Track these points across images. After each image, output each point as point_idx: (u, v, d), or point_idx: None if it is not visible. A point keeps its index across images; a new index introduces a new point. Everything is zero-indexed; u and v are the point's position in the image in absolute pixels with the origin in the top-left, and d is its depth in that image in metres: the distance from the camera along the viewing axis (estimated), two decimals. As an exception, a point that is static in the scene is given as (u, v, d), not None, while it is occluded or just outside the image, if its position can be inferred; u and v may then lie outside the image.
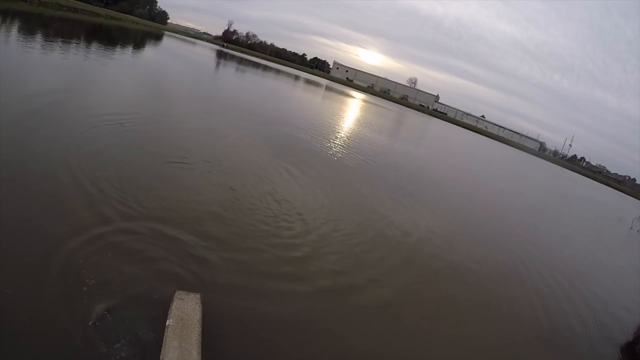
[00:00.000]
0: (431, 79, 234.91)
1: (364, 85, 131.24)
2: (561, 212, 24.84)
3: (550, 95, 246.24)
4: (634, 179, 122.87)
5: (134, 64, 25.17)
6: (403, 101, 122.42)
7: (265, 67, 66.99)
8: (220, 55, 61.99)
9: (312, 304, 5.52)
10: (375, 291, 6.44)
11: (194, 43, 71.33)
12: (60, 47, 20.96)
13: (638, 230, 25.52)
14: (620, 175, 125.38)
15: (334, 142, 18.43)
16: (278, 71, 69.42)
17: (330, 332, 5.09)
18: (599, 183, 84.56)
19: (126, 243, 5.36)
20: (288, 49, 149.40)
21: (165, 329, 3.89)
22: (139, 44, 41.13)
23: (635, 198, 74.53)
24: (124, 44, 35.66)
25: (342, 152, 16.88)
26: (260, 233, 7.06)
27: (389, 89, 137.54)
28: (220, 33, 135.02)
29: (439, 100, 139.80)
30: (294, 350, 4.54)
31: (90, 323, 3.91)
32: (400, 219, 10.35)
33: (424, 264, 8.18)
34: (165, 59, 33.42)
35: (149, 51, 36.93)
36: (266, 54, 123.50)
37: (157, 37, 55.84)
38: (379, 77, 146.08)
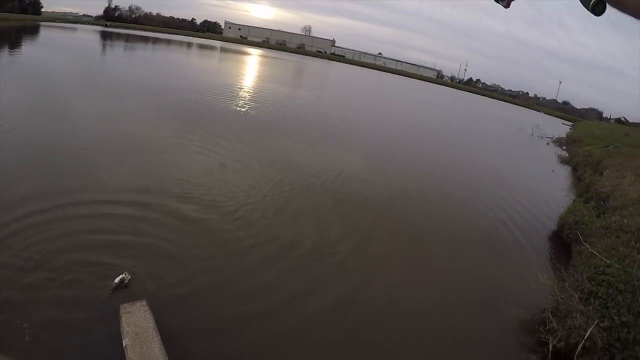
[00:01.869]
0: (326, 24, 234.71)
1: (259, 40, 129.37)
2: (469, 129, 27.90)
3: (442, 27, 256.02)
4: (527, 93, 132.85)
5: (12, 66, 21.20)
6: (300, 50, 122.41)
7: (155, 40, 63.81)
8: (105, 36, 58.34)
9: (265, 269, 5.64)
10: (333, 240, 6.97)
11: (75, 29, 66.00)
12: None
13: (538, 136, 29.36)
14: (514, 91, 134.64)
15: (245, 101, 19.03)
16: (169, 41, 66.56)
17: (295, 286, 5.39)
18: (496, 100, 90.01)
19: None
20: (176, 17, 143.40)
21: (124, 350, 3.60)
22: (14, 43, 37.61)
23: (530, 109, 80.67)
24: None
25: (257, 109, 17.58)
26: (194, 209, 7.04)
27: (284, 41, 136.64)
28: (101, 12, 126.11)
29: (336, 44, 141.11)
30: (262, 333, 4.51)
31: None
32: (335, 165, 11.01)
33: (371, 205, 8.97)
34: (46, 53, 30.21)
35: (27, 48, 33.67)
36: (154, 25, 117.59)
37: (33, 31, 51.63)
38: (273, 30, 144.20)
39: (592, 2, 0.94)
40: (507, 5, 1.28)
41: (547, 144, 26.92)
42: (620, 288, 5.30)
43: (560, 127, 39.86)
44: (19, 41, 36.75)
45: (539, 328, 5.13)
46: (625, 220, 7.54)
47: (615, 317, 4.79)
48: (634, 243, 6.60)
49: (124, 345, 3.63)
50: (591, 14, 1.00)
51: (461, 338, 5.10)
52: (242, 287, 5.14)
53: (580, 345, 4.46)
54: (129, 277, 4.65)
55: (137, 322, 3.87)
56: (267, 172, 9.46)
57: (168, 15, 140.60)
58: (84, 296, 4.37)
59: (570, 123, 51.82)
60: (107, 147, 9.37)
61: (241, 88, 24.08)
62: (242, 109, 16.99)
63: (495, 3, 1.28)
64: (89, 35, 56.54)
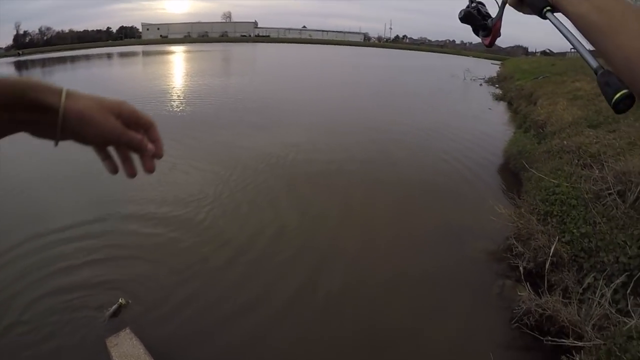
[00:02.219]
0: (246, 8, 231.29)
1: (181, 36, 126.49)
2: (405, 84, 28.28)
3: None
4: (454, 40, 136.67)
5: None
6: (224, 38, 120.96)
7: (73, 58, 59.91)
8: (20, 66, 54.54)
9: (257, 273, 5.49)
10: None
11: (-14, 67, 60.97)
12: None
13: (471, 79, 30.49)
14: (441, 41, 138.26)
15: (180, 101, 18.61)
16: (88, 57, 63.21)
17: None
18: (425, 52, 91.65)
19: None
20: (90, 29, 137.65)
21: None
22: None
23: (459, 55, 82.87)
24: None
25: (194, 105, 17.39)
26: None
27: (206, 32, 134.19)
28: (10, 41, 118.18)
29: (259, 25, 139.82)
30: (265, 342, 4.38)
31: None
32: (287, 146, 10.89)
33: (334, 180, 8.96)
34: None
35: None
36: (69, 43, 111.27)
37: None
38: (193, 23, 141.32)
39: (617, 97, 0.73)
40: (490, 44, 1.15)
41: (480, 85, 27.92)
42: (572, 203, 5.68)
43: (490, 68, 41.19)
44: None
45: (507, 255, 5.46)
46: (565, 142, 8.00)
47: (575, 231, 5.15)
48: (576, 161, 7.03)
49: None
50: None
51: (445, 283, 5.39)
52: (234, 299, 4.85)
53: (547, 262, 4.78)
54: (126, 301, 4.48)
55: (127, 352, 3.80)
56: (223, 166, 9.25)
57: (81, 30, 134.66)
58: (68, 334, 4.19)
59: (499, 62, 53.52)
60: (43, 181, 8.63)
61: (172, 89, 23.37)
62: (178, 109, 16.56)
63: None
64: (1, 69, 53.08)
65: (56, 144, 0.68)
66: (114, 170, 0.76)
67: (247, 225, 6.67)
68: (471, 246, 6.17)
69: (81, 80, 32.84)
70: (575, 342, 3.87)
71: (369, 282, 5.44)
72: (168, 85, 25.40)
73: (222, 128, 13.05)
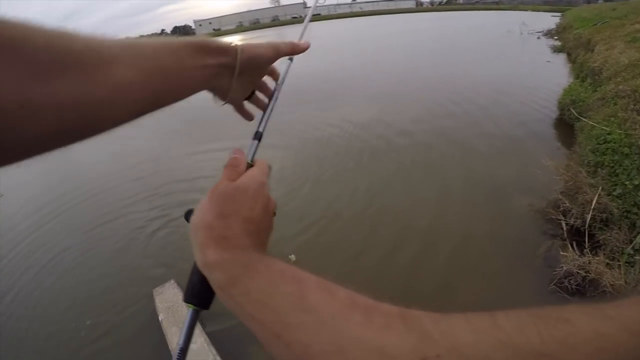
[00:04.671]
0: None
1: (234, 26, 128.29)
2: (461, 45, 26.72)
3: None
4: None
5: None
6: (276, 22, 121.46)
7: None
8: None
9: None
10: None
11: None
12: None
13: (528, 33, 28.50)
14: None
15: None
16: None
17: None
18: (481, 11, 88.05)
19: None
20: (145, 34, 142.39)
21: (161, 324, 4.03)
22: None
23: (515, 10, 78.68)
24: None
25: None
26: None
27: (257, 19, 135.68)
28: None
29: (308, 5, 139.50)
30: None
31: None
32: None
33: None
34: None
35: None
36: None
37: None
38: (243, 12, 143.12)
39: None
40: None
41: (538, 38, 26.21)
42: (625, 152, 5.15)
43: (549, 20, 38.45)
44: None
45: (553, 211, 5.03)
46: (620, 86, 7.31)
47: (627, 183, 4.65)
48: (632, 105, 6.40)
49: (160, 320, 4.05)
50: None
51: (483, 239, 5.11)
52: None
53: (589, 217, 4.37)
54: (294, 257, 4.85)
55: (168, 298, 4.30)
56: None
57: (137, 36, 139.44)
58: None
59: (559, 14, 50.23)
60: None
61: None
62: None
63: None
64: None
65: (231, 86, 0.80)
66: (251, 116, 0.96)
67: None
68: (517, 202, 5.78)
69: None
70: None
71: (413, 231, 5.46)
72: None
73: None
